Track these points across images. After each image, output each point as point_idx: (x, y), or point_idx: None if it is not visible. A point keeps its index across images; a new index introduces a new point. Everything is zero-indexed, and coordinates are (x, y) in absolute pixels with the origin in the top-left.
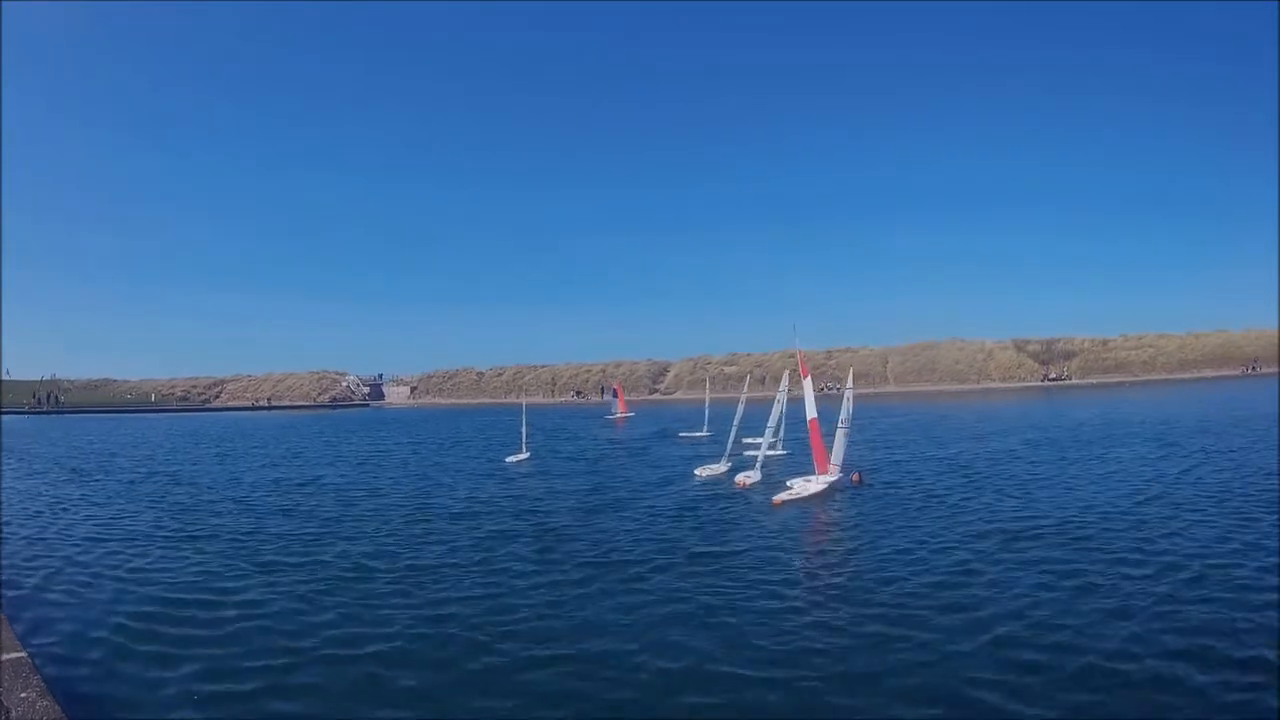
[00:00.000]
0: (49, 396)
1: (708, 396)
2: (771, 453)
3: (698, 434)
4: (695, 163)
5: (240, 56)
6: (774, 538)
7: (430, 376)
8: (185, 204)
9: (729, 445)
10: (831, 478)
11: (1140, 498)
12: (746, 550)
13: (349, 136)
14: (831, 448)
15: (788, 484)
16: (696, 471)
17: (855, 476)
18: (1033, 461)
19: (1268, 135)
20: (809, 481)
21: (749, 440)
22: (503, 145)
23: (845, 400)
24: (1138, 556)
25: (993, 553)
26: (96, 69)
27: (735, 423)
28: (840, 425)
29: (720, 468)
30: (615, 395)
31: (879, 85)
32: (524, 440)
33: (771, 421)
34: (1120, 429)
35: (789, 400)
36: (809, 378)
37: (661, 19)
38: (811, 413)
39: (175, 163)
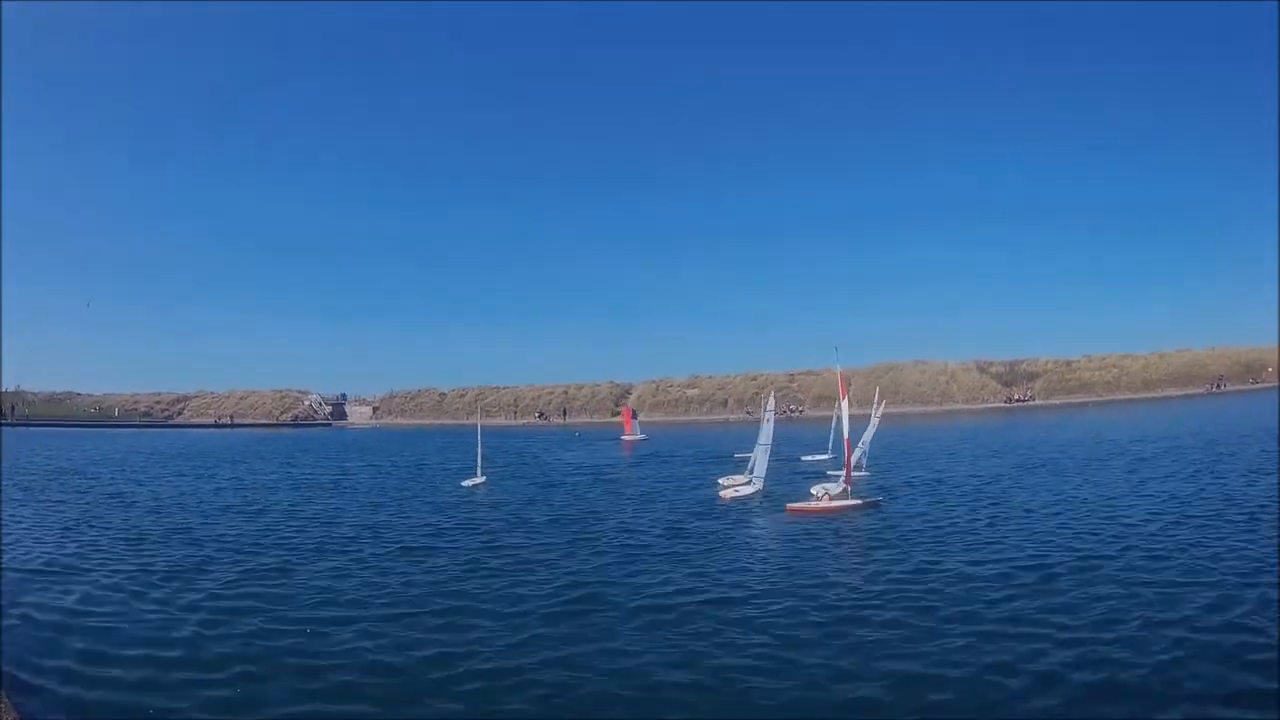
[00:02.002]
0: (11, 409)
1: (841, 414)
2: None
3: (820, 456)
4: (656, 183)
5: (201, 64)
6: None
7: (393, 397)
8: (152, 216)
9: (753, 465)
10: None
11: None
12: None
13: (316, 153)
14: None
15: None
16: (722, 494)
17: (825, 495)
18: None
19: (1239, 147)
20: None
21: (808, 458)
22: (466, 166)
23: (838, 421)
24: None
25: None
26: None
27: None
28: (846, 439)
29: (747, 488)
30: (626, 418)
31: (838, 105)
32: (479, 465)
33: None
34: (1128, 448)
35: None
36: (845, 399)
37: (621, 36)
38: (846, 432)
39: (144, 176)
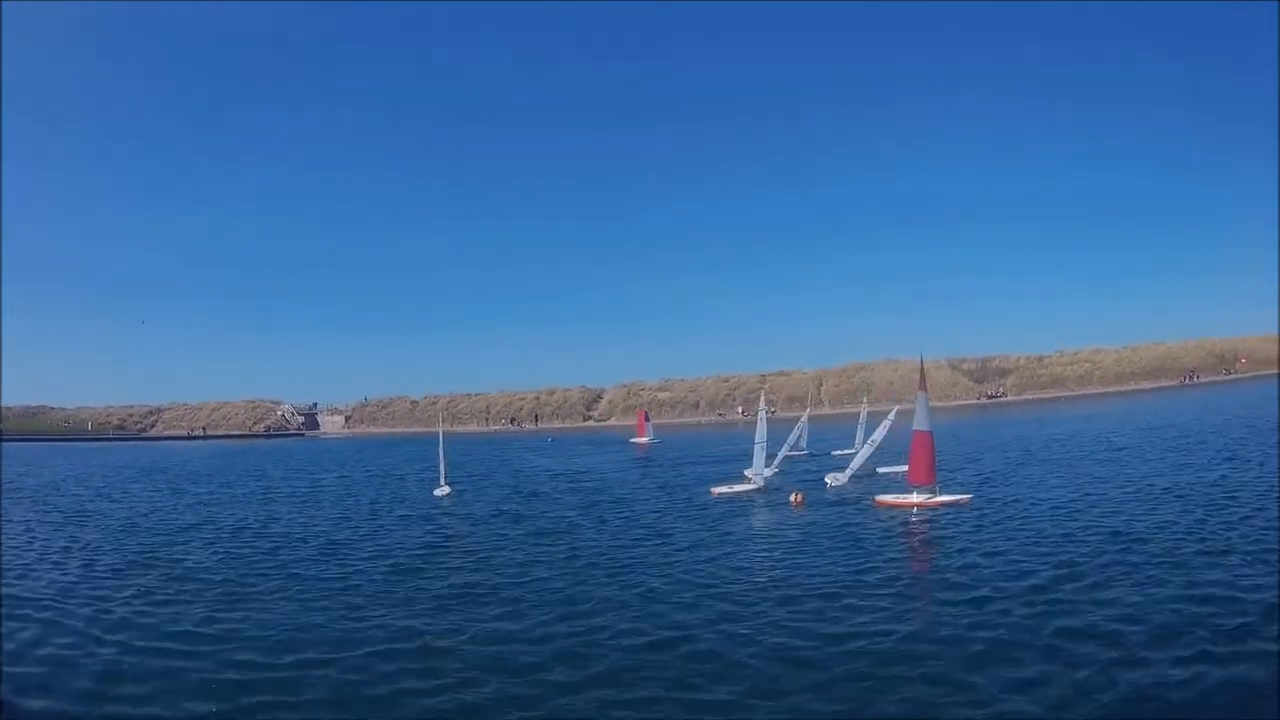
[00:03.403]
0: None
1: (864, 412)
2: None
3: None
4: (626, 189)
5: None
6: None
7: (365, 405)
8: (120, 227)
9: (757, 462)
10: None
11: None
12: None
13: (287, 165)
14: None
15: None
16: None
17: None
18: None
19: (1216, 140)
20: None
21: (838, 452)
22: (432, 172)
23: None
24: None
25: None
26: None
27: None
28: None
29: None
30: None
31: (809, 107)
32: (443, 474)
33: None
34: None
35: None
36: (924, 392)
37: (585, 44)
38: (925, 425)
39: (111, 192)
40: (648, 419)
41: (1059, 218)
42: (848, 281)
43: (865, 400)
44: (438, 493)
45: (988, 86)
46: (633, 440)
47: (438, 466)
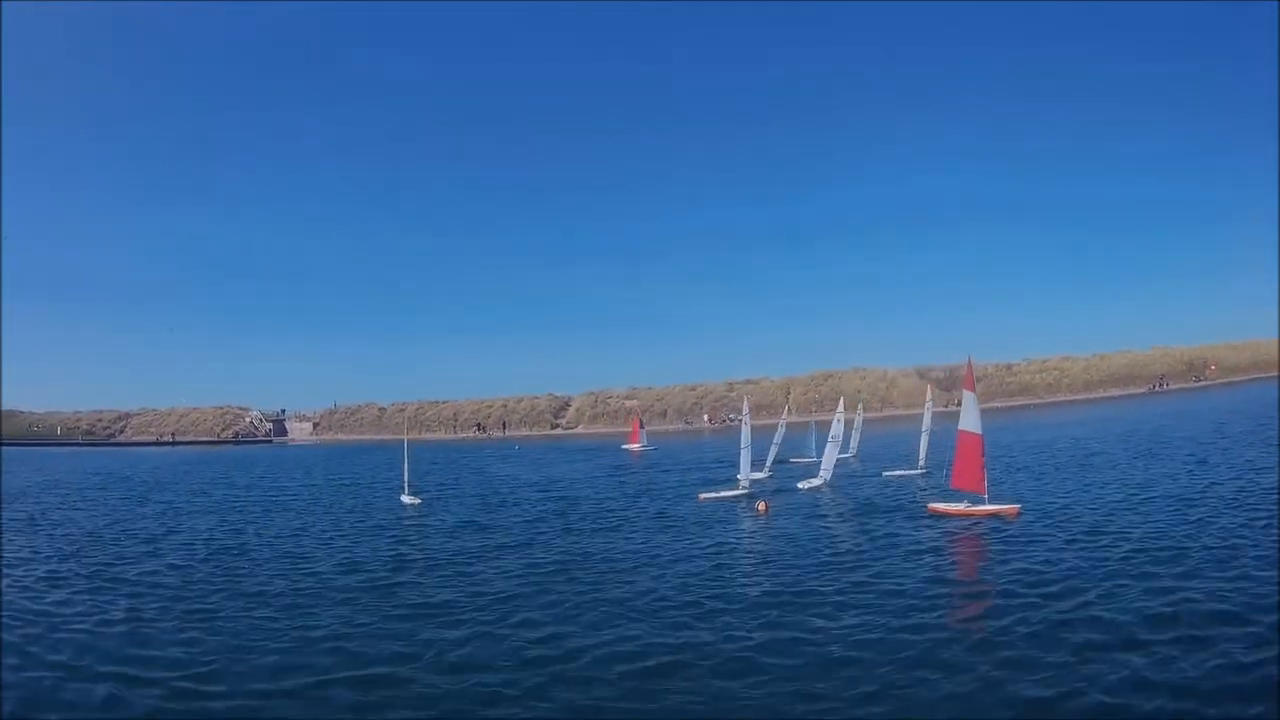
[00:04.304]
0: None
1: (927, 417)
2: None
3: (912, 471)
4: (593, 197)
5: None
6: None
7: (333, 412)
8: (88, 230)
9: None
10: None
11: None
12: None
13: (239, 171)
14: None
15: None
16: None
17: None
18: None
19: (1190, 145)
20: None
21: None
22: (403, 180)
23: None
24: None
25: None
26: None
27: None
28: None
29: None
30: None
31: (774, 115)
32: (406, 483)
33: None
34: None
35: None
36: (974, 391)
37: (567, 50)
38: (975, 426)
39: (79, 194)
40: (642, 426)
41: (1030, 225)
42: (818, 290)
43: (861, 407)
44: (405, 499)
45: (950, 89)
46: (624, 447)
47: (403, 475)
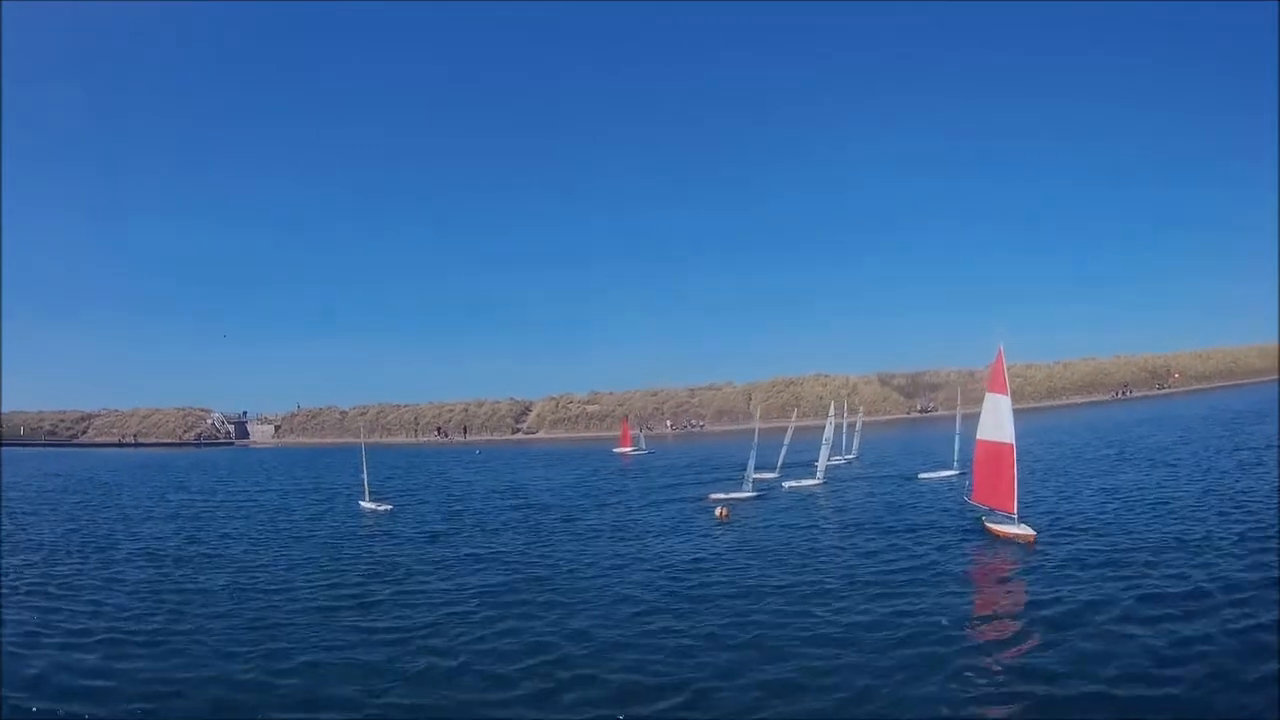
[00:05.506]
0: None
1: (958, 420)
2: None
3: (944, 474)
4: (556, 201)
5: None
6: None
7: (294, 415)
8: (51, 234)
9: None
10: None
11: None
12: None
13: (219, 170)
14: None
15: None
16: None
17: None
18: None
19: (1164, 150)
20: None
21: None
22: (366, 182)
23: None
24: None
25: None
26: None
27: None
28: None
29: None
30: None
31: (736, 120)
32: (366, 488)
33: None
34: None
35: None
36: (1008, 395)
37: (525, 53)
38: (1007, 435)
39: (42, 199)
40: (636, 428)
41: (993, 230)
42: (776, 297)
43: (852, 413)
44: (363, 504)
45: (911, 89)
46: (616, 450)
47: (362, 481)
